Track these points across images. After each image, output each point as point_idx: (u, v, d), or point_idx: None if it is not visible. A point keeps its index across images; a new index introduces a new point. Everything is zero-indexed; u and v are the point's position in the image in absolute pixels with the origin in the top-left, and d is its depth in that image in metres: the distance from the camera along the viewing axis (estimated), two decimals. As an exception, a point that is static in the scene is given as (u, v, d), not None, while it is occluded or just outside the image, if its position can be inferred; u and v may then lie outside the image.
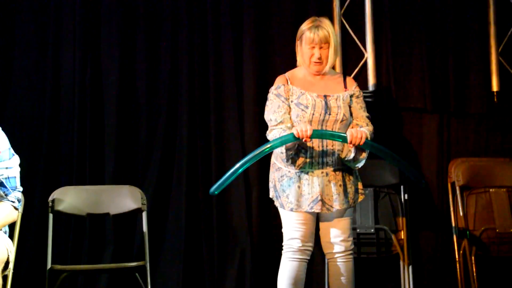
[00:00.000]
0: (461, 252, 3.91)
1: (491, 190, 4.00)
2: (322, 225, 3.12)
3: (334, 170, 3.03)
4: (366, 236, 3.94)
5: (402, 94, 4.15)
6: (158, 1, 4.22)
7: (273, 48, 4.18)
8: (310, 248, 3.05)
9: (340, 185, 3.03)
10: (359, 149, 3.00)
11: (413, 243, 4.05)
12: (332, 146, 3.02)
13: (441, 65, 4.16)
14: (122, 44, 4.18)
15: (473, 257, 3.82)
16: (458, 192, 3.99)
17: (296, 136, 2.87)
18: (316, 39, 3.03)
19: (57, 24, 4.19)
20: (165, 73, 4.19)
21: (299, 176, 3.03)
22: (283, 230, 3.09)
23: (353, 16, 4.21)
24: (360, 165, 3.08)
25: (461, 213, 3.96)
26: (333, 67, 3.28)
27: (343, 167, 3.06)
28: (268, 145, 2.91)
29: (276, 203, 3.10)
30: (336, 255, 3.07)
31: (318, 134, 2.92)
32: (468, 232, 3.90)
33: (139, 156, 4.15)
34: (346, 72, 4.15)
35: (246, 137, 4.11)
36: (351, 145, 2.92)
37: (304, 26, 3.09)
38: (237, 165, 2.94)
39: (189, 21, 4.17)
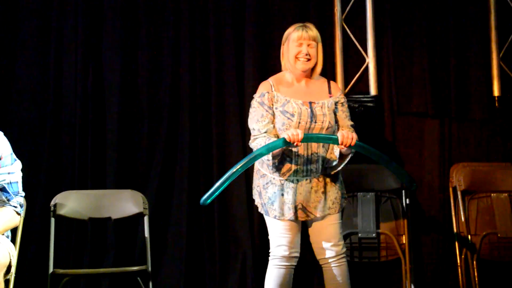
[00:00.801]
0: (462, 256, 3.92)
1: (492, 195, 4.01)
2: (311, 231, 3.12)
3: (318, 177, 3.04)
4: (368, 240, 3.95)
5: (403, 99, 4.16)
6: (160, 8, 4.24)
7: (274, 54, 4.16)
8: (297, 254, 3.06)
9: (322, 192, 3.03)
10: (341, 157, 3.01)
11: (415, 248, 4.05)
12: (317, 153, 3.03)
13: (442, 70, 4.17)
14: (124, 50, 4.19)
15: (474, 262, 3.83)
16: (459, 196, 3.99)
17: (288, 140, 2.85)
18: (304, 35, 3.06)
19: (59, 31, 4.19)
20: (167, 79, 4.19)
21: (283, 184, 3.03)
22: (269, 237, 3.09)
23: (355, 21, 4.22)
24: (339, 169, 3.06)
25: (462, 218, 3.96)
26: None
27: (326, 173, 3.07)
28: (258, 152, 2.89)
29: (261, 210, 3.10)
30: (329, 260, 3.07)
31: (309, 137, 2.91)
32: (469, 237, 3.90)
33: (141, 160, 4.16)
34: (347, 77, 4.18)
35: (248, 143, 4.11)
36: (342, 146, 2.91)
37: (291, 29, 3.13)
38: (227, 174, 2.89)
39: (190, 28, 4.19)
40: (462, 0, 4.20)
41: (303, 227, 3.14)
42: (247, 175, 4.08)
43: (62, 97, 4.16)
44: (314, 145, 3.02)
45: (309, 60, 3.06)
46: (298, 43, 3.07)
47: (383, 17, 4.20)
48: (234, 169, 2.88)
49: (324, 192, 3.04)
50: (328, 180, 3.06)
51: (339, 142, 2.89)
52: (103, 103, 4.17)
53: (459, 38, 4.18)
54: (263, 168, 3.11)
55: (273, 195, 3.04)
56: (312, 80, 3.15)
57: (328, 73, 4.01)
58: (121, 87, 4.16)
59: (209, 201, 2.92)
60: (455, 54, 4.16)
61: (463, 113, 4.15)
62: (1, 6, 4.18)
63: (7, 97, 4.16)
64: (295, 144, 2.85)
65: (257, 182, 3.14)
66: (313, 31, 3.09)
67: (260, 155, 2.90)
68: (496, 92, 4.14)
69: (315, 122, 3.02)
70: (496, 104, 4.15)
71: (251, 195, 4.05)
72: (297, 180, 3.02)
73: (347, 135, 2.88)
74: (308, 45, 3.06)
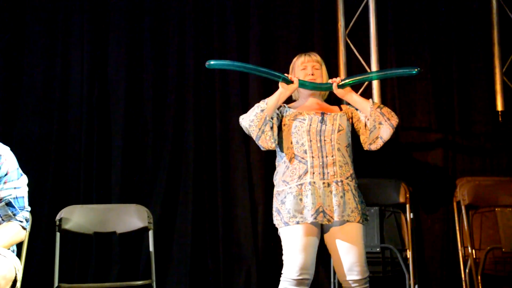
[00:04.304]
0: (467, 271, 3.90)
1: (496, 209, 4.00)
2: (333, 254, 3.08)
3: (336, 182, 3.05)
4: (372, 255, 3.94)
5: (407, 114, 4.17)
6: (165, 22, 4.28)
7: (278, 69, 4.21)
8: (308, 277, 3.00)
9: (341, 197, 3.02)
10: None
11: (419, 262, 4.05)
12: (332, 156, 3.06)
13: (445, 85, 4.18)
14: (129, 64, 4.23)
15: (479, 277, 3.81)
16: (463, 211, 3.98)
17: (287, 76, 3.16)
18: (307, 58, 3.28)
19: (65, 45, 4.24)
20: (172, 93, 4.23)
21: (301, 189, 3.05)
22: (283, 257, 3.07)
23: (358, 36, 4.25)
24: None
25: (467, 232, 3.95)
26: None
27: (345, 180, 3.08)
28: (260, 68, 3.29)
29: (281, 224, 3.08)
30: (353, 284, 3.02)
31: (303, 83, 3.20)
32: (474, 252, 3.90)
33: (145, 174, 4.18)
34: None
35: (252, 157, 4.13)
36: (335, 85, 3.19)
37: (295, 58, 3.34)
38: (237, 63, 3.28)
39: (194, 42, 4.22)
40: (465, 15, 4.23)
41: (322, 248, 3.15)
42: (252, 192, 4.10)
43: (68, 112, 4.19)
44: (328, 148, 3.07)
45: (315, 80, 3.24)
46: (303, 67, 3.27)
47: (386, 32, 4.23)
48: (244, 65, 3.27)
49: (343, 197, 3.03)
50: (347, 188, 3.06)
51: (331, 82, 3.21)
52: (109, 118, 4.20)
53: (462, 53, 4.20)
54: (280, 186, 3.14)
55: (291, 204, 3.04)
56: (322, 102, 3.32)
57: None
58: (126, 102, 4.20)
59: (212, 65, 3.18)
60: (458, 69, 4.18)
61: (467, 127, 4.16)
62: (9, 22, 4.23)
63: (14, 112, 4.19)
64: (292, 80, 3.16)
65: (276, 203, 3.16)
66: (316, 56, 3.30)
67: (269, 72, 3.22)
68: (499, 107, 4.15)
69: (326, 125, 3.11)
70: (500, 119, 4.16)
71: (256, 211, 4.10)
72: (315, 183, 3.04)
73: (334, 78, 3.23)
74: (313, 67, 3.26)
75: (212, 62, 3.18)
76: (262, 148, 3.17)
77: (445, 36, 4.21)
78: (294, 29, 4.24)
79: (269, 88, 4.09)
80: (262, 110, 3.11)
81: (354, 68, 4.24)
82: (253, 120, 3.12)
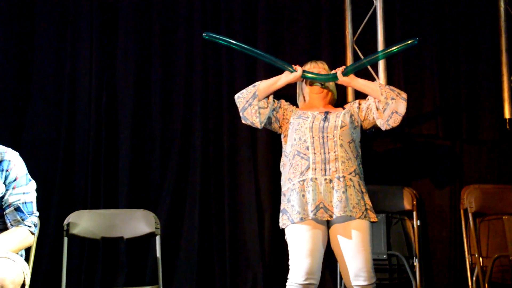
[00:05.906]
0: (474, 279, 3.89)
1: (504, 217, 3.99)
2: (339, 259, 3.09)
3: (338, 177, 3.05)
4: (379, 262, 3.92)
5: (414, 121, 4.17)
6: (173, 28, 4.30)
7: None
8: (315, 282, 3.02)
9: (343, 192, 3.03)
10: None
11: (426, 270, 4.03)
12: (334, 151, 3.08)
13: (453, 92, 4.18)
14: (137, 69, 4.25)
15: (486, 285, 3.79)
16: (470, 218, 3.97)
17: (293, 66, 3.29)
18: (314, 65, 3.35)
19: (74, 50, 4.27)
20: (179, 98, 4.24)
21: (303, 185, 3.06)
22: (289, 262, 3.09)
23: (366, 43, 4.25)
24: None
25: (474, 240, 3.94)
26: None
27: (348, 175, 3.08)
28: (265, 54, 3.43)
29: (287, 223, 3.10)
30: None
31: (307, 74, 3.31)
32: (481, 259, 3.88)
33: (153, 180, 4.19)
34: (358, 98, 4.20)
35: (259, 162, 4.14)
36: (340, 75, 3.27)
37: (302, 67, 3.38)
38: (238, 42, 3.40)
39: (202, 49, 4.24)
40: (472, 23, 4.23)
41: (328, 252, 3.14)
42: (259, 198, 4.10)
43: (76, 118, 4.21)
44: (331, 144, 3.09)
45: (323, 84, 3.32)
46: None
47: (393, 39, 4.22)
48: (246, 46, 3.39)
49: (345, 193, 3.03)
50: (349, 183, 3.07)
51: (335, 71, 3.29)
52: (116, 123, 4.22)
53: (470, 60, 4.20)
54: (285, 184, 3.18)
55: (294, 200, 3.06)
56: (328, 104, 3.37)
57: (339, 93, 4.03)
58: (134, 108, 4.21)
59: (210, 36, 3.36)
60: (466, 76, 4.18)
61: (474, 135, 4.15)
62: (17, 27, 4.27)
63: (22, 117, 4.21)
64: (296, 69, 3.27)
65: (282, 204, 3.19)
66: (323, 64, 3.38)
67: (272, 58, 3.39)
68: (507, 115, 4.13)
69: (328, 122, 3.14)
70: (507, 126, 4.14)
71: (263, 217, 4.10)
72: (316, 179, 3.05)
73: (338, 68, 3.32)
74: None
75: (211, 34, 3.34)
76: (244, 121, 3.26)
77: (453, 43, 4.21)
78: (302, 35, 4.24)
79: (278, 90, 4.13)
80: (254, 86, 3.25)
81: (362, 75, 4.22)
82: (242, 93, 3.26)
